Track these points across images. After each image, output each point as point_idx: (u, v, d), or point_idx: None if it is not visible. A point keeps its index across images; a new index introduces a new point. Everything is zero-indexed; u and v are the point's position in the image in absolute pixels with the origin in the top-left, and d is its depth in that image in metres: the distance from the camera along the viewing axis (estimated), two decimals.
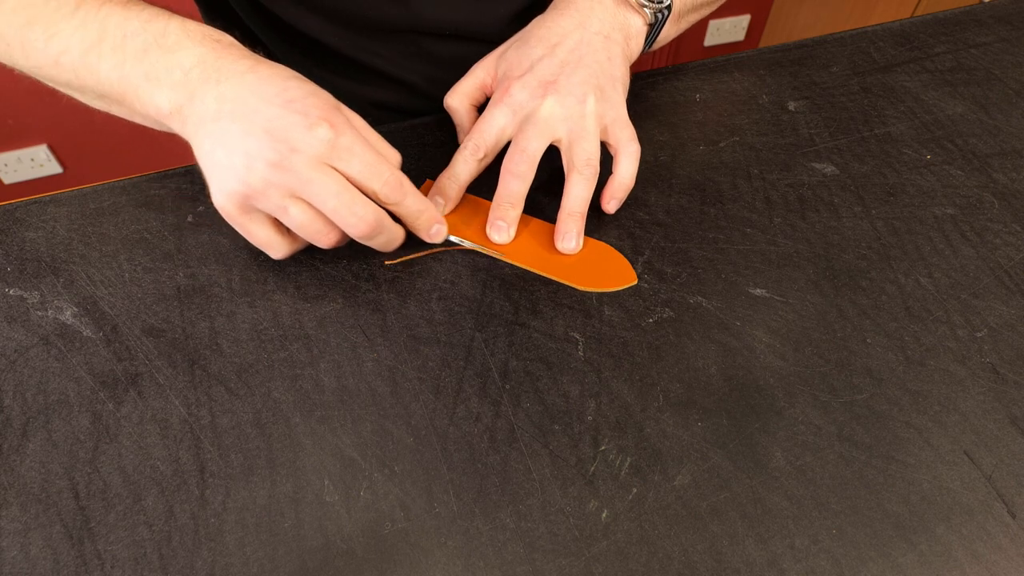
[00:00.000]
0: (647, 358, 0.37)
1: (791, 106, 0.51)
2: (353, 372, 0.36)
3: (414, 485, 0.32)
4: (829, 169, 0.47)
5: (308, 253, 0.41)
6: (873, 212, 0.44)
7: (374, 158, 0.37)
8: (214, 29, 0.38)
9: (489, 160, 0.44)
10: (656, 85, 0.53)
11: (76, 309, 0.39)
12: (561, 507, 0.32)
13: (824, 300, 0.39)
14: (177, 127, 0.37)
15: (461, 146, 0.43)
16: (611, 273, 0.40)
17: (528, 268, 0.41)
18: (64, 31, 0.36)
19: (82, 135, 1.51)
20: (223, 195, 0.36)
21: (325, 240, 0.37)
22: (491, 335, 0.38)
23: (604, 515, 0.31)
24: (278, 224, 0.38)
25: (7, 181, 1.55)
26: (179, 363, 0.36)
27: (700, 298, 0.39)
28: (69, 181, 1.58)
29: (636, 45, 0.47)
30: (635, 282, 0.40)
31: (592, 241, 0.42)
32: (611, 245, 0.42)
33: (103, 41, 0.36)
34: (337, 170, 0.36)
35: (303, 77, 0.38)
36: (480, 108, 0.48)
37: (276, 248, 0.39)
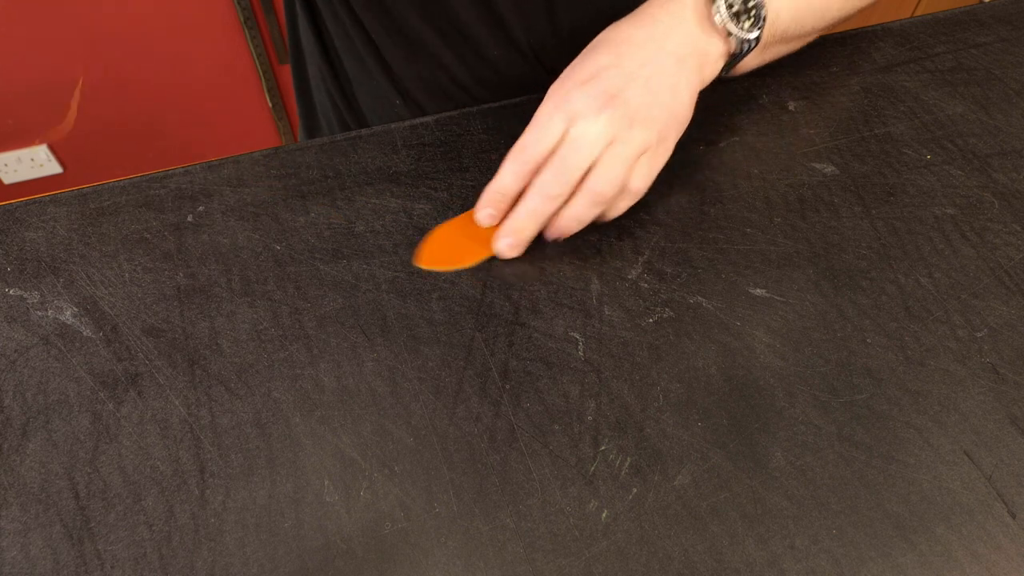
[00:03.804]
0: (647, 358, 0.37)
1: (791, 106, 0.51)
2: (353, 372, 0.36)
3: (414, 485, 0.32)
4: (829, 169, 0.47)
5: (308, 253, 0.41)
6: (873, 212, 0.44)
7: None
8: None
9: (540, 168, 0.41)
10: None
11: (76, 309, 0.39)
12: (561, 507, 0.32)
13: (824, 300, 0.39)
14: None
15: (511, 155, 0.40)
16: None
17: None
18: None
19: (82, 135, 1.51)
20: None
21: None
22: (491, 335, 0.38)
23: (604, 515, 0.31)
24: None
25: (7, 181, 1.55)
26: (179, 363, 0.36)
27: (700, 298, 0.39)
28: (69, 181, 1.58)
29: (711, 73, 0.44)
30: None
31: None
32: (611, 245, 0.42)
33: None
34: None
35: None
36: None
37: None
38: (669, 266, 0.41)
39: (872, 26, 0.59)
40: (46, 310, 0.39)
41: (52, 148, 1.52)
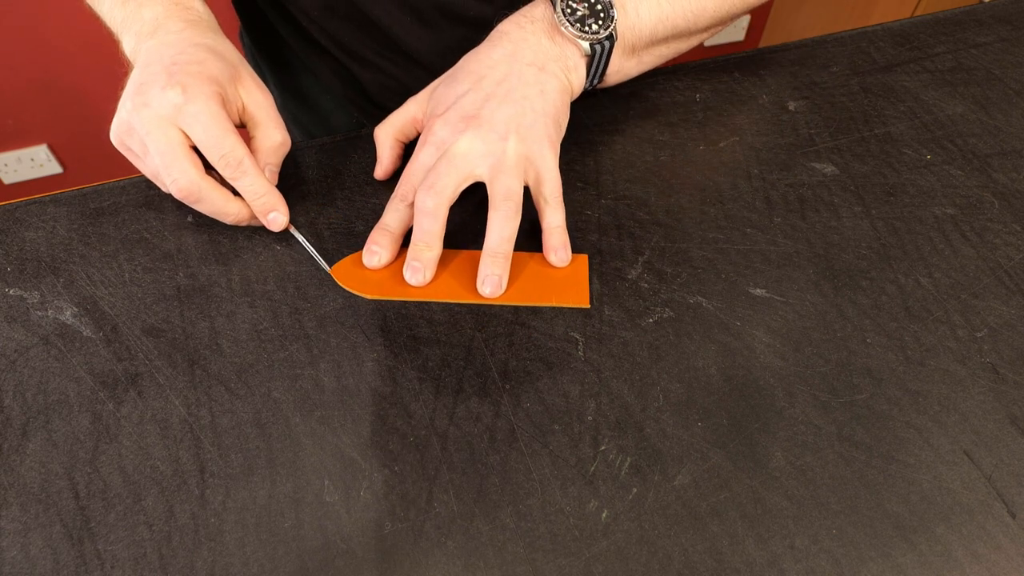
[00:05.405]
0: (647, 358, 0.37)
1: (791, 106, 0.51)
2: (353, 372, 0.36)
3: (414, 485, 0.32)
4: (829, 169, 0.47)
5: (308, 253, 0.41)
6: (873, 212, 0.44)
7: (218, 131, 0.38)
8: None
9: None
10: (656, 85, 0.53)
11: (76, 309, 0.39)
12: (561, 507, 0.32)
13: (824, 300, 0.39)
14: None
15: (392, 195, 0.41)
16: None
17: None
18: None
19: (82, 135, 1.51)
20: (114, 122, 0.40)
21: (170, 189, 0.39)
22: (491, 335, 0.38)
23: (604, 515, 0.31)
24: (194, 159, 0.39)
25: (7, 181, 1.55)
26: (179, 363, 0.36)
27: (700, 298, 0.39)
28: (69, 181, 1.58)
29: (577, 78, 0.44)
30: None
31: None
32: (611, 245, 0.42)
33: None
34: (186, 134, 0.38)
35: (215, 48, 0.41)
36: (409, 143, 0.46)
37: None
38: (669, 266, 0.41)
39: (872, 26, 0.59)
40: (46, 310, 0.39)
41: (52, 148, 1.52)
